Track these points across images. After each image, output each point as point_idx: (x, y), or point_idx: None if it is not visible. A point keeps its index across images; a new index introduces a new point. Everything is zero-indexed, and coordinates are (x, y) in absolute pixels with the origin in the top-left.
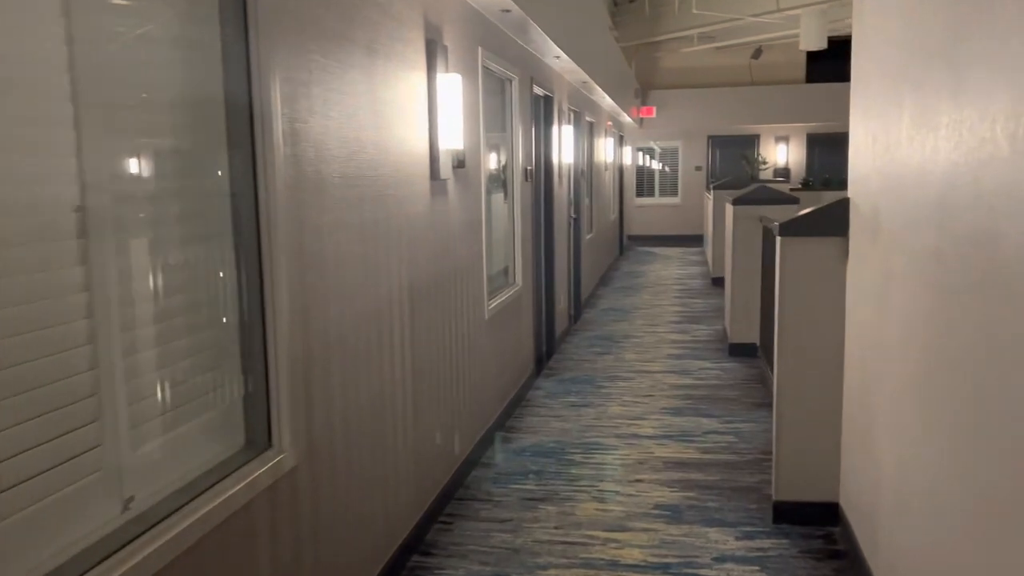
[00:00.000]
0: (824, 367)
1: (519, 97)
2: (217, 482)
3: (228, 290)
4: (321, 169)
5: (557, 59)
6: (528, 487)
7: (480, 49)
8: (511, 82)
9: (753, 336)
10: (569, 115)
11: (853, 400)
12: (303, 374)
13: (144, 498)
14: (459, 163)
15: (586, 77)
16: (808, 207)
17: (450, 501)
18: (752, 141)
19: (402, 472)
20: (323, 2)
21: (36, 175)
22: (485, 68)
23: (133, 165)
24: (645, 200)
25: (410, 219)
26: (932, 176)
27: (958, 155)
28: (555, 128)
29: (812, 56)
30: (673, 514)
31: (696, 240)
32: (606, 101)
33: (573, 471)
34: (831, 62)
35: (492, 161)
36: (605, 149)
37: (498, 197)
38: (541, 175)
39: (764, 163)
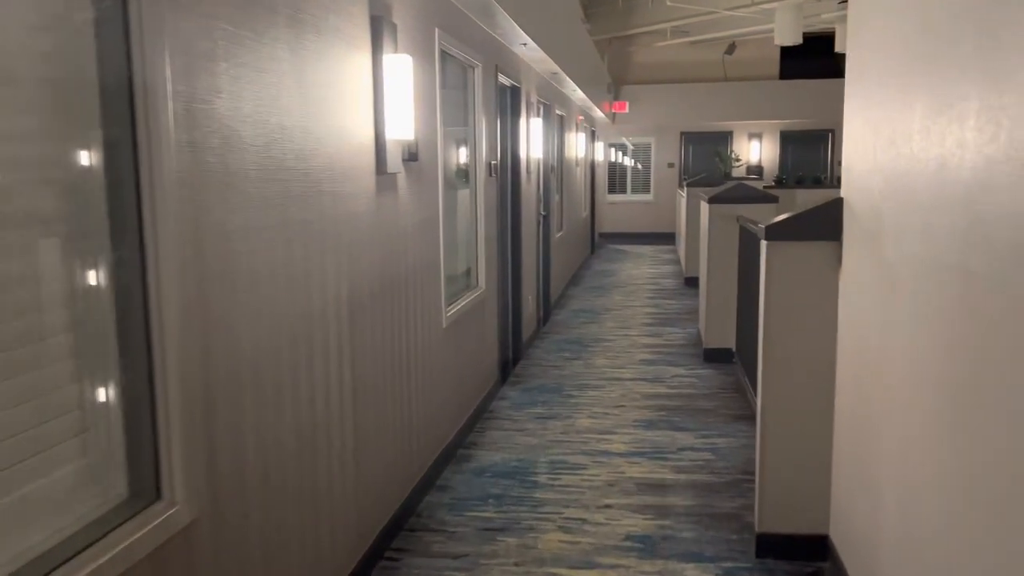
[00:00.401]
0: (813, 385)
1: (482, 86)
2: (86, 547)
3: (100, 309)
4: (230, 160)
5: (524, 47)
6: (487, 514)
7: (437, 31)
8: (474, 70)
9: (729, 341)
10: (538, 108)
11: (846, 423)
12: (203, 408)
13: None
14: (411, 155)
15: (556, 68)
16: (785, 205)
17: (399, 533)
18: (725, 138)
19: (339, 510)
20: None
21: None
22: (444, 52)
23: None
24: (617, 197)
25: (350, 219)
26: (956, 176)
27: (994, 149)
28: (523, 121)
29: (786, 52)
30: (646, 547)
31: (668, 238)
32: (577, 94)
33: (537, 495)
34: (805, 59)
35: (453, 155)
36: (576, 144)
37: (460, 194)
38: (508, 171)
39: (738, 160)
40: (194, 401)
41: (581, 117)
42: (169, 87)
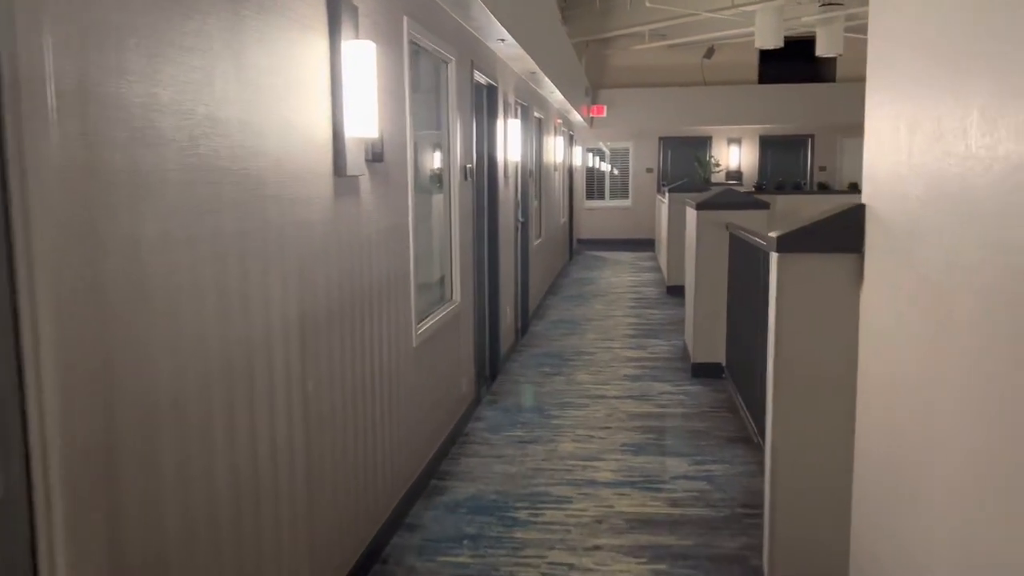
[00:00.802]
0: (830, 415)
1: (457, 82)
2: None
3: None
4: (139, 158)
5: (502, 42)
6: (461, 559)
7: (406, 19)
8: (447, 65)
9: (719, 355)
10: (516, 108)
11: (870, 461)
12: (102, 465)
13: None
14: (376, 156)
15: (534, 67)
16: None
17: None
18: (704, 143)
19: (288, 564)
20: None
21: None
22: (414, 44)
23: None
24: (595, 203)
25: (302, 228)
26: None
27: None
28: (500, 122)
29: (765, 56)
30: None
31: (647, 244)
32: (556, 96)
33: (518, 535)
34: (784, 63)
35: (425, 156)
36: (555, 148)
37: (433, 199)
38: (484, 174)
39: (717, 165)
40: (87, 455)
41: (559, 121)
42: (49, 63)
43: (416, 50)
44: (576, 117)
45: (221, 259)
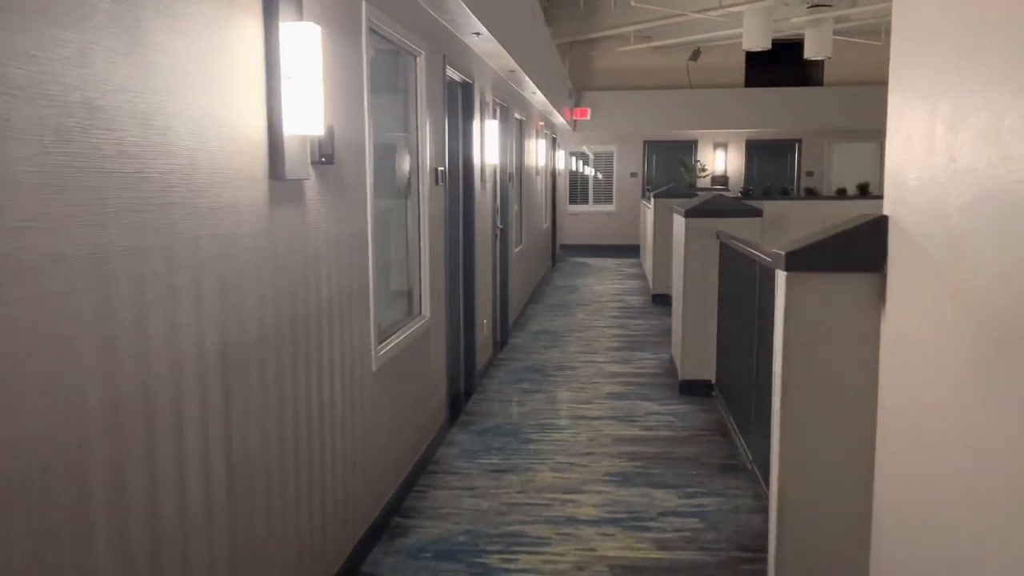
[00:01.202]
0: (845, 454)
1: (427, 78)
2: None
3: None
4: None
5: (478, 37)
6: None
7: (365, 4)
8: (416, 59)
9: (708, 372)
10: (494, 109)
11: (893, 505)
12: None
13: None
14: (324, 157)
15: (514, 65)
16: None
17: None
18: (690, 147)
19: None
20: None
21: None
22: (376, 33)
23: None
24: (579, 208)
25: (225, 241)
26: None
27: None
28: (476, 122)
29: (751, 60)
30: None
31: (631, 250)
32: (538, 97)
33: None
34: (771, 66)
35: (392, 158)
36: (537, 152)
37: (400, 205)
38: (459, 178)
39: (704, 170)
40: None
41: (542, 123)
42: None
43: (380, 42)
44: (559, 119)
45: (106, 283)
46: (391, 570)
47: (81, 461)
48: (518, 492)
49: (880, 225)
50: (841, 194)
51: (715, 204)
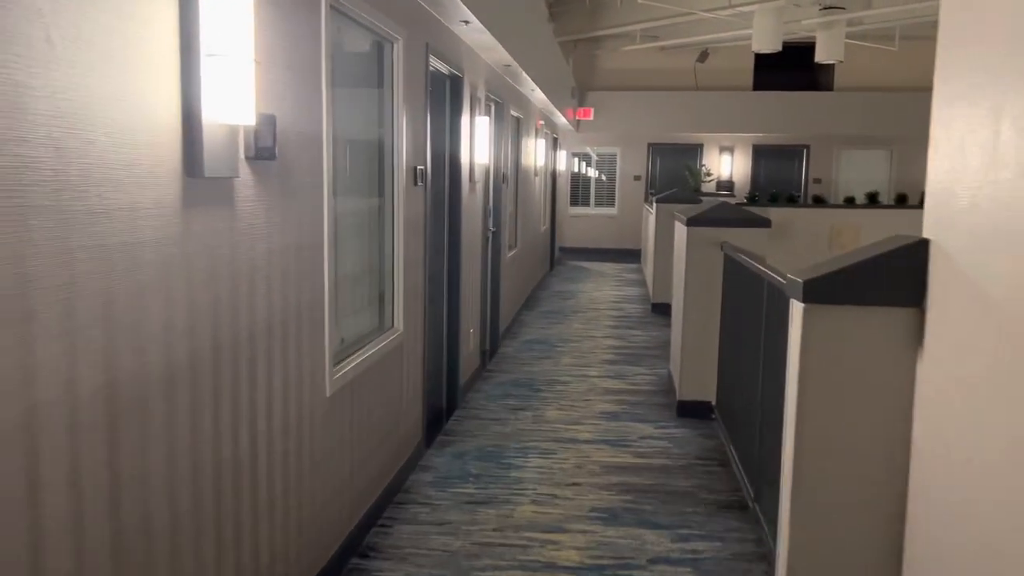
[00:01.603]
0: (869, 522)
1: (405, 67)
2: None
3: None
4: None
5: (467, 26)
6: None
7: None
8: (393, 45)
9: (708, 393)
10: (487, 105)
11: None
12: None
13: None
14: (263, 151)
15: (510, 59)
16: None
17: None
18: (695, 151)
19: None
20: None
21: None
22: (337, 10)
23: None
24: (580, 210)
25: (115, 253)
26: None
27: None
28: (465, 118)
29: (760, 63)
30: None
31: (633, 255)
32: (537, 95)
33: None
34: (780, 70)
35: (359, 153)
36: (536, 151)
37: (373, 206)
38: (444, 178)
39: (709, 175)
40: None
41: (541, 122)
42: None
43: (348, 23)
44: (561, 119)
45: None
46: None
47: None
48: (493, 530)
49: (919, 251)
50: (850, 202)
51: (719, 213)
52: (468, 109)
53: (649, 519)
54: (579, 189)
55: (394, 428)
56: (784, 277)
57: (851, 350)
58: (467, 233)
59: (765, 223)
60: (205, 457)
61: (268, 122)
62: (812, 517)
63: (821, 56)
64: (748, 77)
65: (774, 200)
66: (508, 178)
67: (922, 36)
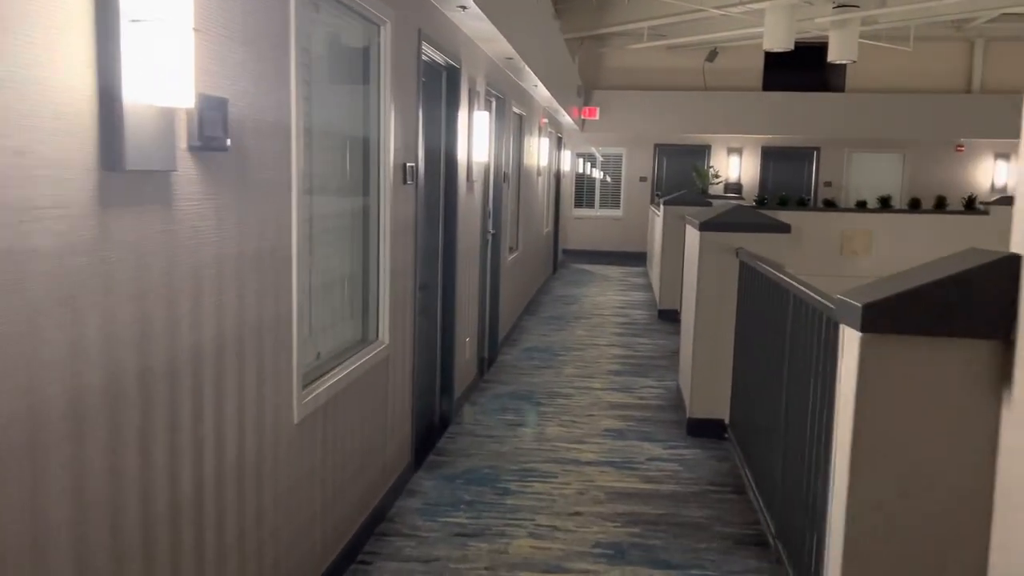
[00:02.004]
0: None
1: (393, 54)
2: None
3: None
4: None
5: (464, 12)
6: None
7: None
8: (380, 28)
9: (721, 411)
10: (487, 100)
11: None
12: None
13: None
14: (211, 141)
15: (512, 52)
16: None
17: None
18: (703, 152)
19: None
20: None
21: None
22: None
23: None
24: (584, 211)
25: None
26: None
27: None
28: (463, 113)
29: (770, 63)
30: None
31: (638, 258)
32: (541, 92)
33: None
34: (791, 70)
35: (337, 146)
36: (539, 150)
37: (353, 206)
38: (439, 176)
39: (717, 176)
40: None
41: (545, 120)
42: None
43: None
44: (566, 118)
45: None
46: None
47: None
48: (485, 568)
49: (1006, 270)
50: (861, 206)
51: (734, 217)
52: (466, 103)
53: (659, 556)
54: (583, 190)
55: (378, 450)
56: (831, 299)
57: (921, 389)
58: (464, 235)
59: (784, 228)
60: (130, 507)
61: (216, 106)
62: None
63: (834, 56)
64: (757, 77)
65: (783, 203)
66: (509, 178)
67: (937, 37)
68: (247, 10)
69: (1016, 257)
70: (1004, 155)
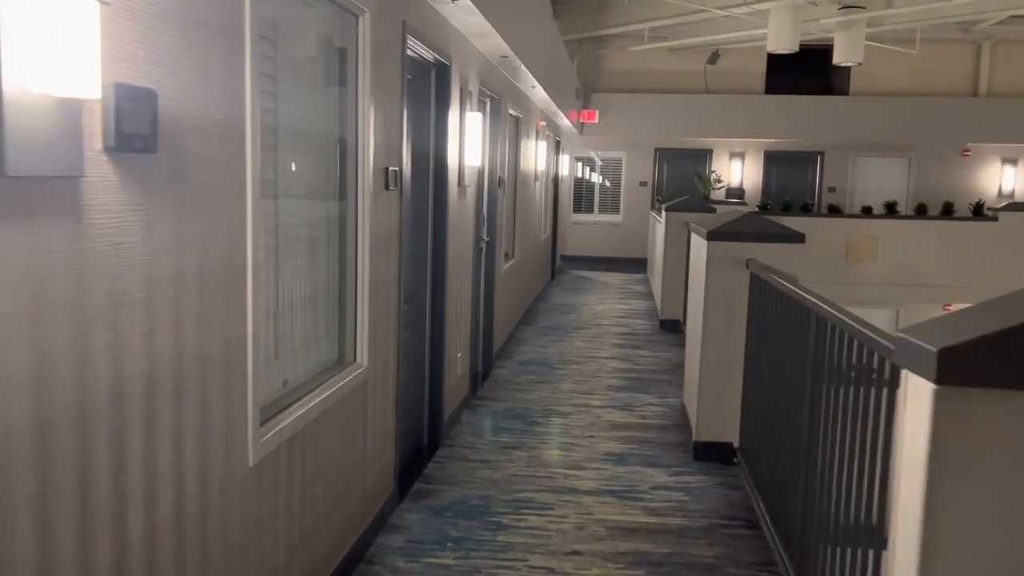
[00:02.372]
0: None
1: (372, 47)
2: None
3: None
4: None
5: (453, 3)
6: None
7: None
8: (358, 18)
9: (730, 433)
10: (481, 101)
11: None
12: None
13: None
14: (133, 140)
15: (507, 49)
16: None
17: None
18: (704, 156)
19: None
20: None
21: None
22: None
23: None
24: (583, 217)
25: None
26: None
27: None
28: (454, 114)
29: (773, 65)
30: None
31: (638, 265)
32: (538, 93)
33: None
34: (794, 73)
35: (318, 150)
36: (536, 154)
37: (328, 211)
38: (427, 181)
39: (719, 181)
40: None
41: (543, 123)
42: None
43: None
44: (564, 121)
45: None
46: None
47: None
48: None
49: None
50: (867, 212)
51: (744, 226)
52: (458, 103)
53: None
54: (582, 195)
55: (356, 482)
56: (890, 337)
57: (1013, 451)
58: (455, 244)
59: (798, 238)
60: None
61: (140, 98)
62: None
63: (839, 58)
64: (760, 80)
65: (787, 209)
66: (505, 182)
67: (944, 39)
68: None
69: None
70: (1012, 160)
